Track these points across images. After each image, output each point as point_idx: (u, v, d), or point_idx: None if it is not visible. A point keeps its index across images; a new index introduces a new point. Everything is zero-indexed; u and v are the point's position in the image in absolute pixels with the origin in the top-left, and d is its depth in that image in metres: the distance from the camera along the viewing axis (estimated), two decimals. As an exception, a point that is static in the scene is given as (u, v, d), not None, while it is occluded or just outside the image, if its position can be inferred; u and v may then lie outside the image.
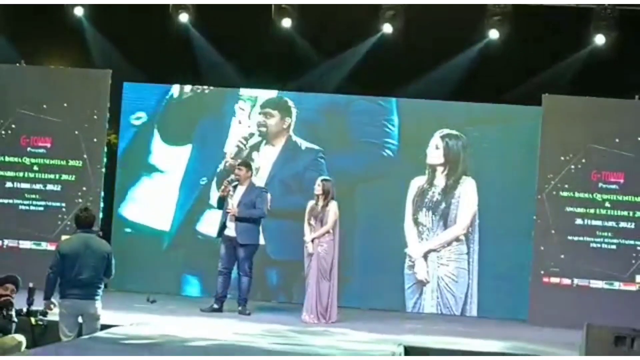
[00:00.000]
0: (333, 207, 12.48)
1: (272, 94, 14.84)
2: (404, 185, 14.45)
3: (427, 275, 14.30)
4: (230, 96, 14.88)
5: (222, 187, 12.87)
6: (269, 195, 13.01)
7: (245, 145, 14.67)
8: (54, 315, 10.31)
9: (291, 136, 14.73)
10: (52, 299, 10.06)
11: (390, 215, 14.46)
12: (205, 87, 14.92)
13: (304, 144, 14.70)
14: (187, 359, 8.95)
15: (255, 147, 14.70)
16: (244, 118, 14.80)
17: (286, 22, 14.69)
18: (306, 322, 12.30)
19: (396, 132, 14.55)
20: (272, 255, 14.05)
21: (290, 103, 14.80)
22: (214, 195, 14.05)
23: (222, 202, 12.90)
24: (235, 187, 12.82)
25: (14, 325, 10.32)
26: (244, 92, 14.84)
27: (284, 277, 14.55)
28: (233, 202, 12.73)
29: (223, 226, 12.84)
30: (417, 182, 14.47)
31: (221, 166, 14.72)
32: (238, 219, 12.69)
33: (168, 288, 14.42)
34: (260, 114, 14.80)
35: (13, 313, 10.34)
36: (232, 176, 12.93)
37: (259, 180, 13.99)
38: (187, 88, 14.92)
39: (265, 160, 14.54)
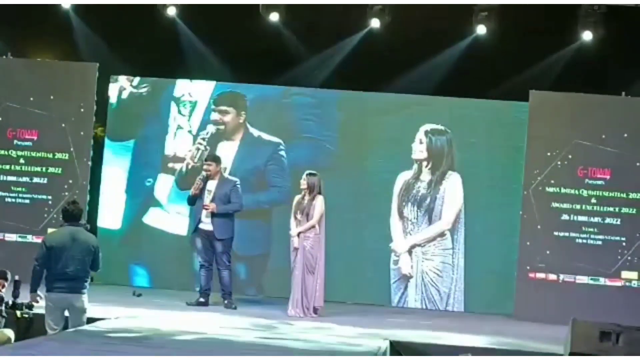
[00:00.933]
0: (319, 201, 12.49)
1: (209, 87, 14.86)
2: (390, 180, 14.46)
3: (411, 269, 14.32)
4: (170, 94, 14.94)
5: (195, 185, 12.86)
6: (239, 187, 13.01)
7: (204, 146, 14.67)
8: (39, 308, 10.31)
9: (248, 129, 14.75)
10: (38, 292, 10.05)
11: (376, 210, 14.47)
12: (144, 86, 14.93)
13: (263, 137, 14.73)
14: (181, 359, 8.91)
15: (214, 145, 14.67)
16: (184, 122, 14.82)
17: (274, 17, 14.69)
18: (292, 316, 12.31)
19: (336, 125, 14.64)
20: (239, 251, 13.96)
21: (245, 96, 14.82)
22: (158, 189, 14.43)
23: (193, 199, 12.91)
24: (206, 182, 12.83)
25: (3, 321, 10.32)
26: (183, 95, 14.85)
27: (252, 271, 14.58)
28: (209, 198, 12.75)
29: (198, 221, 12.86)
30: (404, 177, 14.48)
31: (184, 169, 14.73)
32: (216, 214, 12.72)
33: (116, 279, 14.39)
34: (215, 111, 14.79)
35: (3, 308, 10.33)
36: (203, 172, 12.94)
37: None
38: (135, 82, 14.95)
39: (224, 156, 14.33)
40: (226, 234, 12.81)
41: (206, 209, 12.72)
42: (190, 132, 14.84)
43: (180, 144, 14.85)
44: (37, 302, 10.14)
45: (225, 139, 14.78)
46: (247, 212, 13.46)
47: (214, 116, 14.80)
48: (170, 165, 14.81)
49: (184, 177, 14.67)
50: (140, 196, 14.87)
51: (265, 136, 14.72)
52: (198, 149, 14.70)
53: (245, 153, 14.70)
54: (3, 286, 10.49)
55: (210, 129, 14.78)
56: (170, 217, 14.80)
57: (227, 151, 14.45)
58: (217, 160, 13.06)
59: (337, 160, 14.43)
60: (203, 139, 14.73)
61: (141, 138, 14.95)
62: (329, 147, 14.54)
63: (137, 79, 14.94)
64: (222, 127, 14.79)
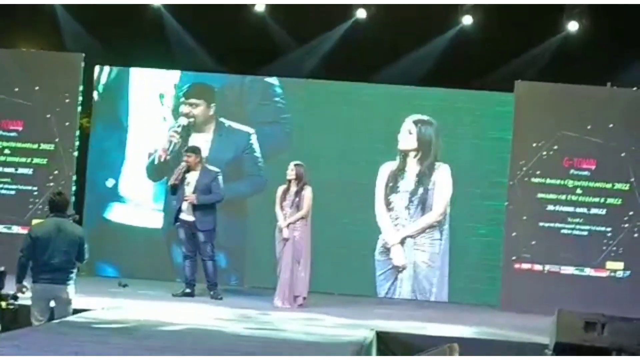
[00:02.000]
0: (308, 192, 12.49)
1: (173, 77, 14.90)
2: (374, 170, 14.46)
3: (405, 261, 14.33)
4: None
5: (174, 175, 12.85)
6: (220, 177, 13.01)
7: (177, 138, 14.65)
8: (24, 299, 10.27)
9: (219, 120, 14.75)
10: (24, 283, 10.02)
11: (361, 201, 14.47)
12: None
13: (234, 126, 14.73)
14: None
15: (186, 137, 14.66)
16: (167, 113, 14.85)
17: (260, 7, 14.68)
18: (278, 306, 12.31)
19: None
20: (218, 240, 13.94)
21: (213, 87, 14.82)
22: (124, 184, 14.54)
23: (175, 189, 12.89)
24: (186, 173, 12.82)
25: None
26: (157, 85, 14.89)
27: (233, 261, 14.54)
28: (189, 189, 12.73)
29: (178, 211, 12.84)
30: (388, 168, 14.47)
31: (156, 161, 14.73)
32: (197, 205, 12.71)
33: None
34: (184, 104, 14.77)
35: None
36: (183, 164, 12.92)
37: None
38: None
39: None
40: (208, 225, 12.78)
41: (186, 201, 12.71)
42: (164, 120, 14.85)
43: (154, 134, 14.84)
44: (23, 293, 10.10)
45: (197, 131, 14.76)
46: (224, 202, 13.40)
47: (185, 109, 14.79)
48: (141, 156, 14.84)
49: (155, 168, 14.69)
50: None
51: (237, 126, 14.72)
52: (170, 142, 14.68)
53: (218, 144, 14.68)
54: None
55: (182, 121, 14.76)
56: (137, 211, 14.80)
57: (201, 143, 14.29)
58: (195, 151, 13.01)
59: (320, 150, 14.39)
60: (175, 131, 14.70)
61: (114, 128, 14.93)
62: (313, 137, 14.52)
63: (115, 69, 14.89)
64: (192, 119, 14.78)
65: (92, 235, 13.99)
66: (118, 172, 14.87)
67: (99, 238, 14.27)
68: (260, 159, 14.65)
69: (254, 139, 14.69)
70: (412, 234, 14.39)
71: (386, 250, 14.42)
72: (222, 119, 14.75)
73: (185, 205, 12.76)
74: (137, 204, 14.82)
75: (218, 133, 14.75)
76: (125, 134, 14.89)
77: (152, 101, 14.87)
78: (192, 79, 14.89)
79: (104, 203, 14.85)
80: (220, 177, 12.90)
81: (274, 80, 14.78)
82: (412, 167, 14.46)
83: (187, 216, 12.78)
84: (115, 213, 14.83)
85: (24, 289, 10.04)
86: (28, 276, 9.98)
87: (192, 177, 12.81)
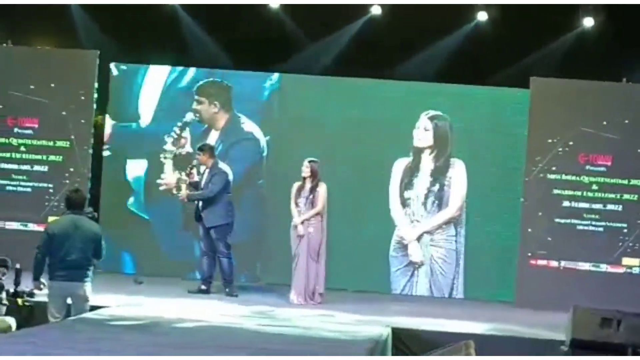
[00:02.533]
0: (323, 188, 12.51)
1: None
2: (388, 166, 14.45)
3: (422, 257, 14.31)
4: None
5: (187, 172, 12.91)
6: (229, 175, 12.99)
7: (180, 135, 14.69)
8: (41, 296, 10.31)
9: (232, 117, 14.76)
10: (41, 280, 10.05)
11: (375, 197, 14.46)
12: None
13: (246, 124, 14.75)
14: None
15: (195, 135, 14.69)
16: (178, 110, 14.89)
17: (274, 3, 14.69)
18: (294, 303, 12.33)
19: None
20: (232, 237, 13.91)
21: (226, 84, 14.83)
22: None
23: (195, 187, 12.93)
24: (196, 169, 12.91)
25: (4, 308, 10.32)
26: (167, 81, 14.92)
27: (248, 257, 14.46)
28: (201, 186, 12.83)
29: (197, 208, 12.89)
30: (402, 164, 14.46)
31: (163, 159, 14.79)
32: (203, 203, 12.75)
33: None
34: (196, 101, 14.80)
35: (4, 296, 10.34)
36: (195, 161, 12.96)
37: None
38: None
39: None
40: (215, 222, 12.78)
41: (179, 197, 12.87)
42: (172, 118, 14.87)
43: (161, 131, 14.86)
44: (40, 289, 10.13)
45: (206, 127, 14.78)
46: (242, 199, 13.33)
47: (194, 106, 14.80)
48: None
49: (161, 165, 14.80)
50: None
51: (247, 126, 14.74)
52: (178, 137, 14.70)
53: (229, 141, 14.68)
54: (3, 274, 10.50)
55: (188, 117, 14.78)
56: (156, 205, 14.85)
57: (209, 140, 14.33)
58: (206, 149, 13.03)
59: (335, 147, 14.38)
60: (180, 128, 14.72)
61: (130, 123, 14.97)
62: (328, 133, 14.51)
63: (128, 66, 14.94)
64: (201, 116, 14.80)
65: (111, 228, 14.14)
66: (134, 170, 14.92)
67: (118, 230, 14.35)
68: (264, 152, 14.68)
69: (260, 136, 14.69)
70: (429, 230, 14.38)
71: (402, 247, 14.41)
72: (236, 114, 14.76)
73: (201, 203, 12.79)
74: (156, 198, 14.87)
75: (228, 129, 14.73)
76: (139, 129, 14.89)
77: (164, 97, 14.87)
78: (204, 75, 14.89)
79: (122, 198, 14.86)
80: (218, 174, 12.82)
81: (287, 76, 14.78)
82: (427, 163, 14.45)
83: (202, 213, 12.82)
84: (134, 205, 14.86)
85: (41, 286, 10.07)
86: (45, 273, 10.02)
87: (205, 175, 12.87)
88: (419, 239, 14.38)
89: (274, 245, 13.88)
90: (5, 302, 10.36)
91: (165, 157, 14.68)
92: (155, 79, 14.93)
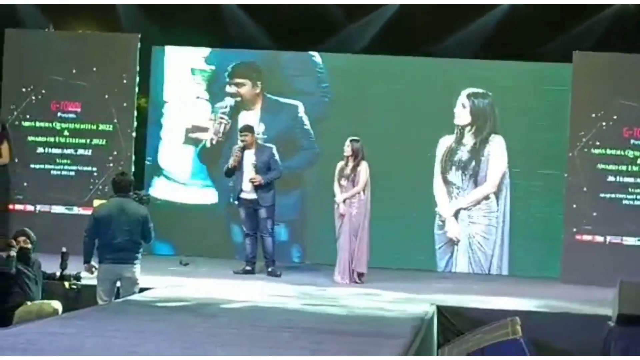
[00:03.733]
0: (364, 167, 12.49)
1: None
2: (432, 145, 14.42)
3: (458, 234, 14.31)
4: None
5: (234, 156, 12.86)
6: (276, 153, 13.03)
7: (226, 120, 14.71)
8: (88, 279, 10.39)
9: (266, 97, 14.75)
10: (92, 263, 10.13)
11: (419, 176, 14.44)
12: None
13: (281, 101, 14.73)
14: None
15: (235, 117, 14.70)
16: (201, 92, 14.93)
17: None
18: (338, 282, 12.34)
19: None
20: (277, 215, 13.86)
21: (258, 65, 14.84)
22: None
23: (232, 171, 12.91)
24: (243, 152, 12.85)
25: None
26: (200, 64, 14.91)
27: (293, 236, 14.55)
28: (248, 169, 12.74)
29: (239, 191, 12.87)
30: (446, 142, 14.44)
31: (207, 144, 14.80)
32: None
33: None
34: (230, 84, 14.80)
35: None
36: (240, 143, 12.94)
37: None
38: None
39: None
40: (269, 201, 12.82)
41: (253, 182, 12.71)
42: (209, 101, 14.90)
43: (199, 114, 14.90)
44: (92, 272, 10.21)
45: (245, 109, 14.79)
46: (281, 178, 13.37)
47: (230, 89, 14.82)
48: (192, 136, 14.90)
49: (207, 151, 14.77)
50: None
51: (284, 100, 14.72)
52: (220, 124, 14.73)
53: (266, 121, 14.70)
54: (26, 242, 10.52)
55: (229, 101, 14.80)
56: (189, 189, 14.89)
57: (250, 121, 14.23)
58: (251, 130, 13.05)
59: (378, 126, 14.35)
60: (224, 113, 14.74)
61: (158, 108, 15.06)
62: (370, 112, 14.49)
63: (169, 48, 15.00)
64: (239, 98, 14.81)
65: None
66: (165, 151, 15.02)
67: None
68: (311, 132, 14.64)
69: (302, 112, 14.68)
70: (466, 206, 14.35)
71: (442, 224, 14.39)
72: (268, 95, 14.76)
73: (247, 185, 12.79)
74: (184, 182, 14.91)
75: (265, 109, 14.75)
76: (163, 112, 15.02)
77: (203, 79, 14.91)
78: (245, 56, 14.90)
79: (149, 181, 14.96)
80: (276, 153, 12.93)
81: (326, 55, 14.78)
82: (468, 140, 14.41)
83: (248, 195, 12.80)
84: (161, 190, 14.91)
85: (93, 269, 10.15)
86: (95, 256, 10.09)
87: (249, 156, 12.83)
88: (455, 215, 14.35)
89: (321, 225, 13.85)
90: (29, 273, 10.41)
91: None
92: (195, 60, 14.96)
